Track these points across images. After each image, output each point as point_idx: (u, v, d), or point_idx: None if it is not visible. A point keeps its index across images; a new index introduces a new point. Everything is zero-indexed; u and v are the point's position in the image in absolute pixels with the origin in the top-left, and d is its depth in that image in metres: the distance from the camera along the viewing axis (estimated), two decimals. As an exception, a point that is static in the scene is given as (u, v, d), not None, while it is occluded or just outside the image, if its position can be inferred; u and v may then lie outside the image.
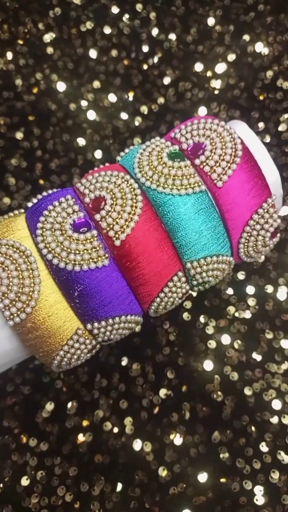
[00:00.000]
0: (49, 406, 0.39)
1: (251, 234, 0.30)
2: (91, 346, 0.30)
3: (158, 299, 0.30)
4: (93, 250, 0.28)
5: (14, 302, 0.27)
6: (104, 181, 0.29)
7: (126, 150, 0.33)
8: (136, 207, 0.28)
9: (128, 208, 0.28)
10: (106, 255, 0.28)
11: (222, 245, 0.30)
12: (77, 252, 0.27)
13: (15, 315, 0.27)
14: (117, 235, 0.28)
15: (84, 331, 0.29)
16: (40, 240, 0.28)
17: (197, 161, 0.29)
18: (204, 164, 0.29)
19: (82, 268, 0.27)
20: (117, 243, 0.28)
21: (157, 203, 0.29)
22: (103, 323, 0.29)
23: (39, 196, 0.31)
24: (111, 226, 0.28)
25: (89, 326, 0.29)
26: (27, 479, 0.37)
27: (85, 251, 0.28)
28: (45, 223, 0.28)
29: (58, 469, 0.38)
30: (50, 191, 0.32)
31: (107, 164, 0.33)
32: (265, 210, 0.30)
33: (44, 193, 0.32)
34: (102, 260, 0.28)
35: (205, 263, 0.29)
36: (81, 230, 0.28)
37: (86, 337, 0.29)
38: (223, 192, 0.29)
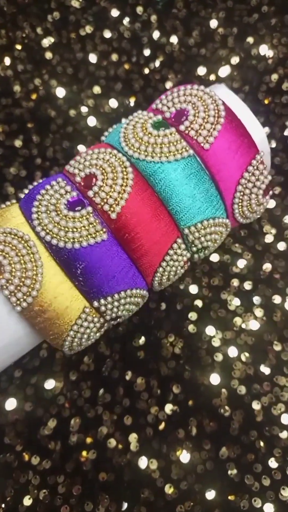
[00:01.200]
0: (52, 423, 0.38)
1: (244, 193, 0.31)
2: (100, 324, 0.31)
3: (160, 269, 0.30)
4: (90, 226, 0.28)
5: (19, 287, 0.28)
6: (93, 159, 0.30)
7: (110, 130, 0.34)
8: (127, 178, 0.29)
9: (119, 181, 0.29)
10: (104, 229, 0.28)
11: (217, 208, 0.30)
12: (75, 229, 0.28)
13: (22, 300, 0.28)
14: (112, 208, 0.28)
15: (91, 309, 0.30)
16: (36, 224, 0.28)
17: (181, 127, 0.30)
18: (189, 129, 0.30)
19: (81, 245, 0.28)
20: (113, 216, 0.28)
21: (148, 172, 0.29)
22: (109, 299, 0.29)
23: (30, 186, 0.32)
24: (105, 200, 0.28)
25: (95, 303, 0.29)
26: (29, 499, 0.36)
27: (83, 227, 0.28)
28: (39, 206, 0.29)
29: (62, 487, 0.37)
30: (40, 180, 0.32)
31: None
32: (255, 167, 0.31)
33: (35, 183, 0.32)
34: (101, 235, 0.28)
35: (202, 227, 0.30)
36: (76, 209, 0.29)
37: (94, 315, 0.30)
38: (211, 153, 0.30)
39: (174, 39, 0.47)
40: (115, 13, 0.47)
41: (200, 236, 0.30)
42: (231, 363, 0.39)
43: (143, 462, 0.37)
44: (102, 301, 0.29)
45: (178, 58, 0.47)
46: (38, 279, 0.28)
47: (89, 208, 0.28)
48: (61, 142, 0.45)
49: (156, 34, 0.47)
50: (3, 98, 0.45)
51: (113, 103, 0.46)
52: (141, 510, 0.36)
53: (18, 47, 0.47)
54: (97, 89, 0.46)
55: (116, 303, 0.30)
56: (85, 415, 0.38)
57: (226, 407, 0.38)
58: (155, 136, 0.30)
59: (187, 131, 0.30)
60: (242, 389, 0.39)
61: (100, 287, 0.29)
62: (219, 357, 0.39)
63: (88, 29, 0.47)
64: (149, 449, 0.37)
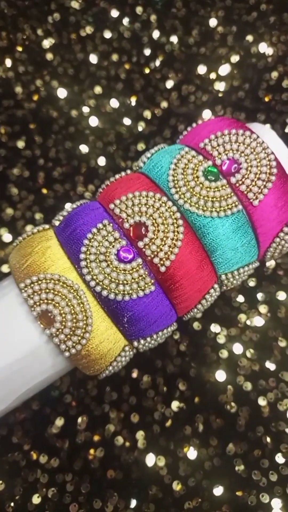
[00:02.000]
0: (59, 422, 0.38)
1: (280, 244, 0.31)
2: (133, 354, 0.32)
3: (195, 310, 0.32)
4: (140, 278, 0.28)
5: (69, 336, 0.28)
6: (141, 204, 0.29)
7: (148, 155, 0.33)
8: (178, 232, 0.29)
9: (170, 234, 0.28)
10: (152, 281, 0.29)
11: (253, 255, 0.31)
12: (125, 282, 0.28)
13: (71, 347, 0.28)
14: (162, 262, 0.28)
15: (130, 347, 0.31)
16: (86, 272, 0.28)
17: (232, 180, 0.29)
18: (240, 183, 0.29)
19: (131, 297, 0.28)
20: (162, 269, 0.28)
21: (197, 225, 0.29)
22: (148, 339, 0.30)
23: (64, 213, 0.31)
24: (156, 253, 0.28)
25: (135, 343, 0.31)
26: (38, 497, 0.36)
27: (133, 280, 0.28)
28: (88, 253, 0.28)
29: (70, 485, 0.37)
30: (73, 206, 0.32)
31: (129, 172, 0.33)
32: None
33: (68, 208, 0.31)
34: (149, 287, 0.28)
35: (238, 274, 0.31)
36: (126, 260, 0.28)
37: (131, 350, 0.31)
38: (258, 210, 0.30)
39: (174, 39, 0.47)
40: (114, 13, 0.48)
41: (234, 280, 0.31)
42: (236, 359, 0.39)
43: (150, 459, 0.37)
44: (142, 341, 0.30)
45: (178, 57, 0.47)
46: (88, 329, 0.28)
47: (139, 260, 0.28)
48: (63, 142, 0.45)
49: (156, 34, 0.47)
50: (5, 99, 0.46)
51: (114, 103, 0.46)
52: (150, 507, 0.36)
53: (19, 48, 0.47)
54: (98, 89, 0.46)
55: (153, 342, 0.31)
56: (92, 413, 0.38)
57: (232, 404, 0.39)
58: (207, 188, 0.29)
59: (237, 184, 0.29)
60: (248, 386, 0.39)
61: (142, 331, 0.30)
62: (224, 354, 0.40)
63: (88, 29, 0.47)
64: (156, 446, 0.38)
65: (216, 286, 0.31)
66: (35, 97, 0.46)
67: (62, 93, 0.46)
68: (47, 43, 0.47)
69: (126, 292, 0.28)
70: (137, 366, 0.39)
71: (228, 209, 0.29)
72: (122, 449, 0.38)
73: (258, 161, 0.30)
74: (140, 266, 0.28)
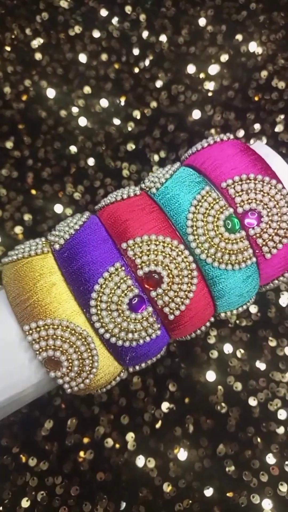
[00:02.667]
0: (48, 424, 0.38)
1: (275, 284, 0.32)
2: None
3: (188, 337, 0.32)
4: (148, 326, 0.28)
5: (75, 378, 0.28)
6: (158, 252, 0.28)
7: (162, 179, 0.30)
8: (191, 283, 0.28)
9: (184, 286, 0.28)
10: (159, 325, 0.28)
11: (253, 295, 0.32)
12: (135, 330, 0.28)
13: (75, 387, 0.28)
14: (171, 311, 0.28)
15: (125, 372, 0.31)
16: (95, 320, 0.27)
17: (251, 232, 0.29)
18: (258, 235, 0.29)
19: (138, 343, 0.28)
20: (171, 317, 0.28)
21: (209, 275, 0.28)
22: (142, 365, 0.31)
23: (66, 236, 0.29)
24: (167, 303, 0.28)
25: (131, 369, 0.31)
26: (27, 501, 0.36)
27: (142, 328, 0.28)
28: (98, 301, 0.27)
29: (60, 488, 0.36)
30: (74, 226, 0.29)
31: (138, 192, 0.30)
32: None
33: (68, 227, 0.29)
34: (156, 332, 0.28)
35: (236, 311, 0.31)
36: (137, 310, 0.28)
37: (125, 374, 0.31)
38: (269, 262, 0.29)
39: (163, 38, 0.47)
40: (104, 13, 0.47)
41: (232, 315, 0.32)
42: (226, 360, 0.39)
43: (140, 461, 0.37)
44: (137, 367, 0.31)
45: (167, 56, 0.47)
46: (93, 371, 0.28)
47: (150, 309, 0.28)
48: (52, 142, 0.45)
49: (145, 33, 0.47)
50: (-7, 99, 0.45)
51: (103, 102, 0.46)
52: (140, 509, 0.36)
53: (8, 48, 0.47)
54: (87, 89, 0.46)
55: (146, 365, 0.31)
56: (82, 416, 0.38)
57: (223, 404, 0.38)
58: (226, 239, 0.28)
59: (255, 237, 0.29)
60: (238, 386, 0.39)
61: (140, 362, 0.30)
62: (214, 354, 0.39)
63: (77, 29, 0.47)
64: (147, 448, 0.37)
65: (212, 319, 0.32)
66: (24, 97, 0.46)
67: (51, 93, 0.46)
68: (35, 42, 0.47)
69: (133, 339, 0.28)
70: (127, 367, 0.39)
71: (243, 261, 0.28)
72: (112, 451, 0.37)
73: (279, 216, 0.29)
74: (150, 315, 0.28)
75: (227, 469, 0.37)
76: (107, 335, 0.27)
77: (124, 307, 0.27)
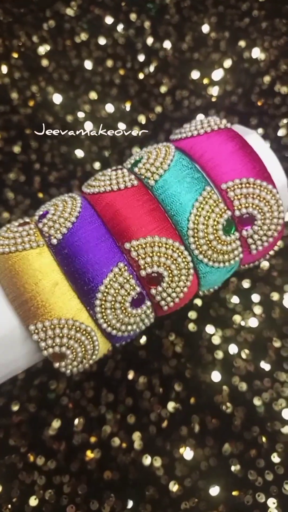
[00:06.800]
0: (56, 423, 0.38)
1: (259, 262, 0.35)
2: None
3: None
4: (146, 317, 0.30)
5: (77, 366, 0.30)
6: (161, 254, 0.29)
7: (160, 171, 0.30)
8: (187, 280, 0.30)
9: (181, 283, 0.30)
10: (153, 314, 0.31)
11: (233, 273, 0.34)
12: (134, 323, 0.30)
13: (75, 370, 0.30)
14: (166, 304, 0.30)
15: (112, 347, 0.34)
16: (99, 317, 0.28)
17: (244, 233, 0.30)
18: (248, 237, 0.31)
19: (134, 332, 0.30)
20: (165, 309, 0.30)
21: (201, 271, 0.30)
22: (128, 340, 0.32)
23: (63, 230, 0.28)
24: (164, 298, 0.30)
25: (117, 345, 0.32)
26: (35, 499, 0.37)
27: (140, 321, 0.30)
28: (103, 301, 0.28)
29: (67, 487, 0.37)
30: (70, 218, 0.29)
31: (135, 183, 0.30)
32: (274, 251, 0.34)
33: (66, 221, 0.29)
34: (150, 321, 0.31)
35: (213, 289, 0.34)
36: (138, 305, 0.29)
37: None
38: (252, 256, 0.32)
39: (167, 44, 0.48)
40: (109, 20, 0.48)
41: (208, 293, 0.35)
42: (231, 360, 0.40)
43: (147, 460, 0.37)
44: (123, 343, 0.32)
45: (172, 62, 0.48)
46: (93, 358, 0.30)
47: (149, 303, 0.30)
48: (59, 147, 0.46)
49: (150, 40, 0.48)
50: (1, 105, 0.46)
51: (109, 108, 0.47)
52: (146, 508, 0.36)
53: (15, 55, 0.48)
54: (93, 95, 0.47)
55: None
56: (89, 415, 0.39)
57: (228, 404, 0.39)
58: (222, 242, 0.30)
59: (246, 237, 0.30)
60: (243, 386, 0.39)
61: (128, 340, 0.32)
62: (219, 354, 0.40)
63: (83, 36, 0.48)
64: (153, 447, 0.38)
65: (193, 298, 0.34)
66: (31, 103, 0.47)
67: (57, 98, 0.47)
68: (42, 49, 0.48)
69: (131, 330, 0.30)
70: (133, 368, 0.40)
71: (232, 259, 0.30)
72: (119, 450, 0.38)
73: (270, 219, 0.31)
74: (149, 308, 0.30)
75: (232, 468, 0.37)
76: (109, 329, 0.29)
77: (127, 304, 0.29)
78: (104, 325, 0.29)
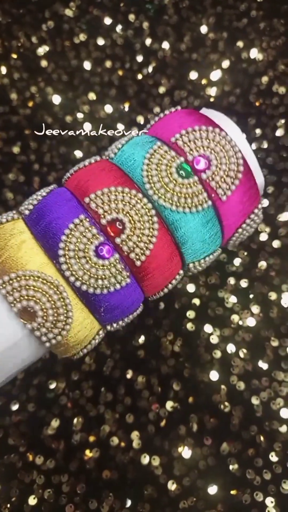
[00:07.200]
0: (55, 423, 0.38)
1: (242, 233, 0.34)
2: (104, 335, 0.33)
3: (161, 293, 0.33)
4: (117, 272, 0.29)
5: (50, 329, 0.29)
6: (118, 201, 0.30)
7: (119, 145, 0.33)
8: (153, 228, 0.30)
9: (146, 231, 0.29)
10: (128, 273, 0.30)
11: (217, 244, 0.33)
12: (103, 277, 0.29)
13: (52, 339, 0.29)
14: (137, 257, 0.29)
15: (103, 330, 0.32)
16: (65, 268, 0.29)
17: (203, 176, 0.30)
18: (210, 179, 0.31)
19: (109, 290, 0.29)
20: (138, 263, 0.30)
21: (169, 220, 0.30)
22: (120, 322, 0.32)
23: (34, 202, 0.31)
24: (132, 249, 0.29)
25: (108, 327, 0.32)
26: (34, 498, 0.37)
27: (110, 274, 0.29)
28: (66, 250, 0.29)
29: (66, 486, 0.37)
30: (42, 193, 0.31)
31: (98, 159, 0.33)
32: (256, 214, 0.33)
33: (37, 196, 0.31)
34: (125, 280, 0.30)
35: (204, 261, 0.33)
36: (104, 256, 0.29)
37: (103, 333, 0.32)
38: (226, 205, 0.31)
39: (166, 45, 0.48)
40: (107, 21, 0.48)
41: (200, 267, 0.33)
42: (229, 359, 0.40)
43: (145, 459, 0.38)
44: (114, 325, 0.32)
45: (170, 63, 0.48)
46: (68, 321, 0.29)
47: (117, 255, 0.29)
48: (58, 147, 0.46)
49: (148, 41, 0.48)
50: (1, 106, 0.46)
51: (108, 108, 0.47)
52: (145, 507, 0.37)
53: (14, 56, 0.48)
54: (92, 95, 0.47)
55: (123, 323, 0.33)
56: (88, 414, 0.39)
57: (226, 403, 0.39)
58: (180, 184, 0.30)
59: (208, 180, 0.30)
60: (241, 385, 0.39)
61: (116, 317, 0.31)
62: (217, 354, 0.40)
63: (82, 37, 0.48)
64: (151, 446, 0.38)
65: (181, 272, 0.33)
66: (30, 103, 0.47)
67: (56, 99, 0.47)
68: (41, 50, 0.48)
69: (104, 286, 0.29)
70: (131, 367, 0.40)
71: (199, 205, 0.30)
72: (118, 450, 0.38)
73: (227, 158, 0.31)
74: (117, 261, 0.29)
75: (230, 467, 0.38)
76: (78, 283, 0.29)
77: (91, 253, 0.29)
78: (72, 278, 0.29)
